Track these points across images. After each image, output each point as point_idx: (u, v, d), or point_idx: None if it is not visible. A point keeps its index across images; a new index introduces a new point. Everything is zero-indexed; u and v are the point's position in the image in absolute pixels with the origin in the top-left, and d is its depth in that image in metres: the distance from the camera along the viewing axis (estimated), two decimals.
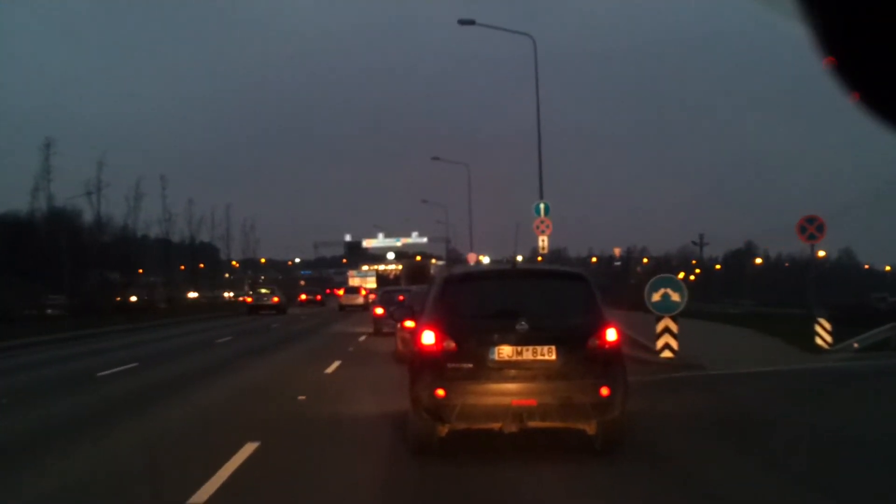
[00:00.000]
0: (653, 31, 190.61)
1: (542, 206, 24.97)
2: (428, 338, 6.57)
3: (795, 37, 1.36)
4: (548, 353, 6.43)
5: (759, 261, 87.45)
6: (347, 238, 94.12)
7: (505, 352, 6.44)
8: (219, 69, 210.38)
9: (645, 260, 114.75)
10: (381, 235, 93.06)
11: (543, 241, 24.91)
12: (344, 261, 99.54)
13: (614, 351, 6.65)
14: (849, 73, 1.38)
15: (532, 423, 6.46)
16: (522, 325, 6.44)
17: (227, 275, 77.53)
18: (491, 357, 6.43)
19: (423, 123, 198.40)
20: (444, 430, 6.62)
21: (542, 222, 24.83)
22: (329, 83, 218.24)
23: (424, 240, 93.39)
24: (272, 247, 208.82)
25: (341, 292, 60.03)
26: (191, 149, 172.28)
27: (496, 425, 6.53)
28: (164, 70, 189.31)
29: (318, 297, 69.29)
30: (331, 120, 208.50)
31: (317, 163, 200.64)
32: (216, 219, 61.93)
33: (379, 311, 22.66)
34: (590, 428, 6.64)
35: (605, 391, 6.39)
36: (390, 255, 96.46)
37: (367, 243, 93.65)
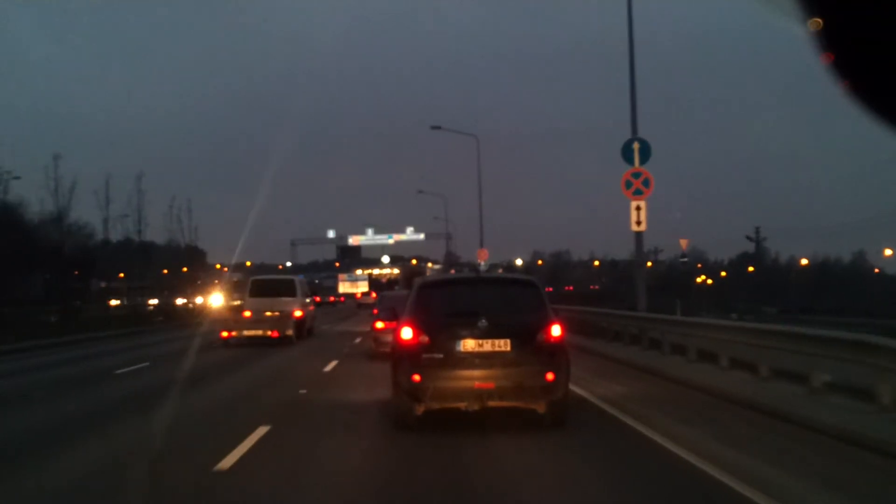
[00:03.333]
0: (662, 27, 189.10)
1: (635, 146, 16.13)
2: (406, 333, 8.11)
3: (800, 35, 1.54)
4: (504, 346, 7.93)
5: (805, 262, 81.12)
6: (331, 234, 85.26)
7: (469, 344, 7.94)
8: (193, 67, 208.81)
9: (649, 263, 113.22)
10: (370, 231, 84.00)
11: (639, 211, 16.28)
12: (336, 264, 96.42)
13: (558, 343, 8.17)
14: (845, 69, 1.45)
15: (491, 403, 8.01)
16: (483, 323, 7.93)
17: (216, 281, 75.34)
18: (457, 349, 7.94)
19: (420, 113, 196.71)
20: (420, 409, 8.11)
21: (634, 176, 16.16)
22: (317, 78, 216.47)
23: (421, 236, 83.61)
24: (262, 249, 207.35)
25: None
26: (171, 147, 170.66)
27: (462, 405, 8.04)
28: (146, 69, 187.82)
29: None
30: (319, 116, 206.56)
31: (305, 161, 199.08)
32: (112, 192, 40.47)
33: None
34: (540, 407, 8.12)
35: (550, 376, 7.93)
36: (385, 259, 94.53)
37: (354, 240, 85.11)
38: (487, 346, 7.90)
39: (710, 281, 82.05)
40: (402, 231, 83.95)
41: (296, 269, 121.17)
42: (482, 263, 42.18)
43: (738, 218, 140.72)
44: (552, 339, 8.10)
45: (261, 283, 24.38)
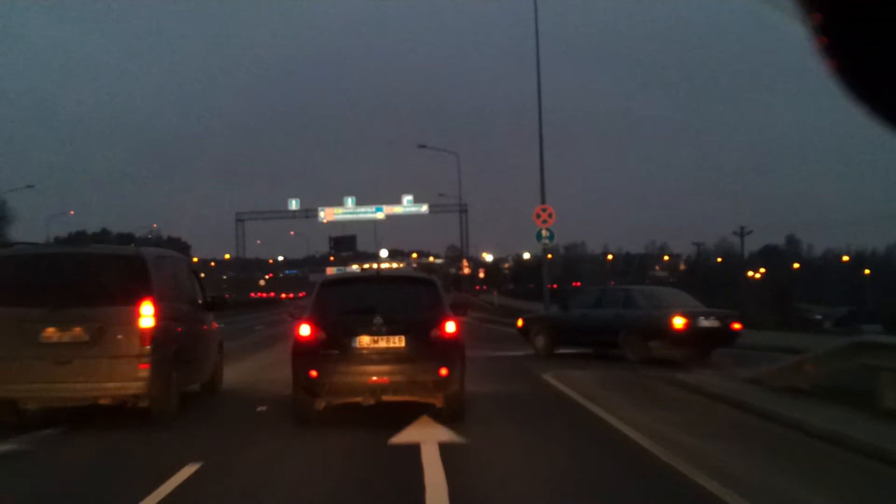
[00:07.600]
0: (678, 17, 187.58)
1: None
2: (304, 330, 8.68)
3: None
4: (398, 342, 8.57)
5: (846, 257, 74.13)
6: (294, 206, 66.88)
7: (364, 341, 8.56)
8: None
9: (666, 257, 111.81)
10: (349, 201, 66.19)
11: None
12: (331, 258, 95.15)
13: (453, 339, 8.74)
14: (835, 49, 1.45)
15: (386, 398, 8.64)
16: (378, 320, 8.55)
17: (202, 275, 73.95)
18: (353, 345, 8.55)
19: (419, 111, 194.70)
20: (321, 404, 8.76)
21: None
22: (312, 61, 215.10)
23: (423, 209, 65.70)
24: (257, 245, 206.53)
25: None
26: (159, 138, 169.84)
27: (358, 399, 8.68)
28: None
29: None
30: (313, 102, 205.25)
31: (296, 149, 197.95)
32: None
33: None
34: (437, 401, 8.76)
35: (443, 371, 8.49)
36: (383, 253, 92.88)
37: (327, 215, 66.76)
38: (382, 342, 8.53)
39: (758, 275, 76.08)
40: (398, 201, 65.54)
41: (290, 263, 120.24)
42: (545, 234, 25.47)
43: (771, 212, 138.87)
44: (446, 336, 8.68)
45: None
